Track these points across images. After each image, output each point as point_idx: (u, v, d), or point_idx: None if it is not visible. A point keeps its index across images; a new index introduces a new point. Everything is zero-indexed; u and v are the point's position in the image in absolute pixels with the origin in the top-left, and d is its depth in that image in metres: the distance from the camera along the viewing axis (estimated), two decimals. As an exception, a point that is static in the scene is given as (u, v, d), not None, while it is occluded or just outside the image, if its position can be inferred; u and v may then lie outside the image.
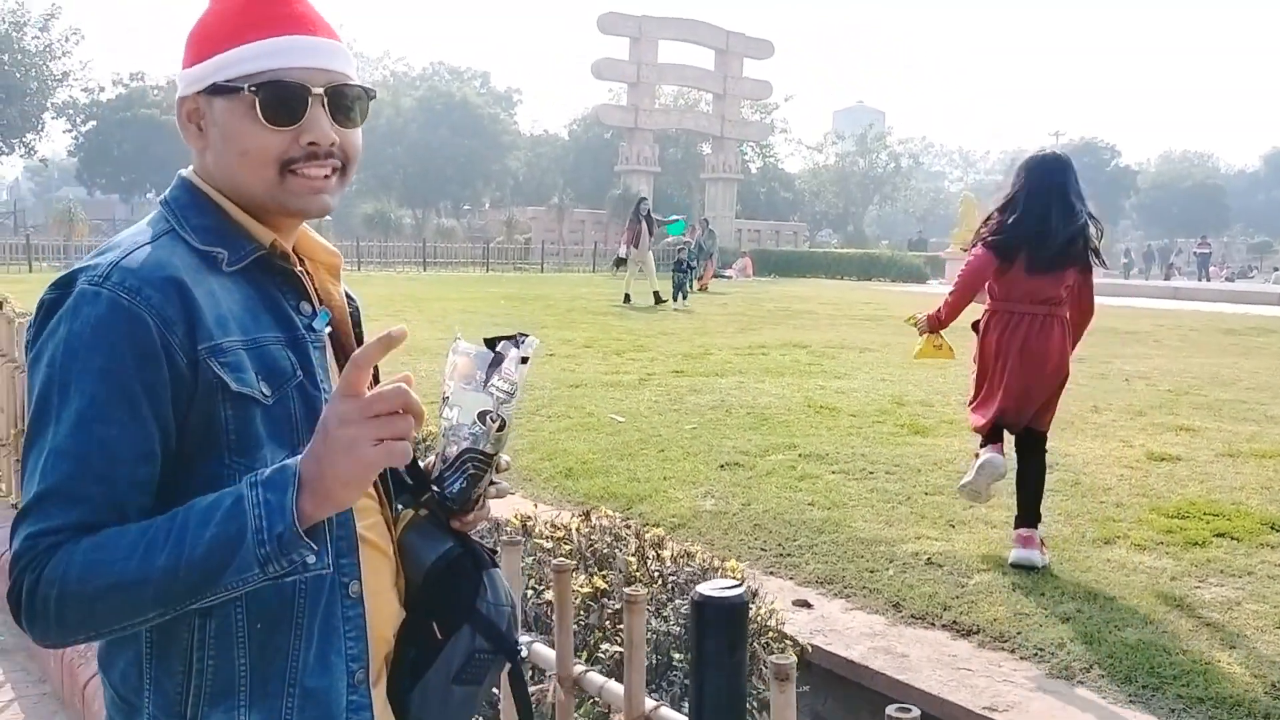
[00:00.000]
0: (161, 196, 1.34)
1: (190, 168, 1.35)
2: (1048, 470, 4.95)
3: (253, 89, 1.24)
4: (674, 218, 25.63)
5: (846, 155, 77.05)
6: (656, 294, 19.30)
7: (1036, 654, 3.68)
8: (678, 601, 3.02)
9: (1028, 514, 4.63)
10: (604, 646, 2.80)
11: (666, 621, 2.99)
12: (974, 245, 4.95)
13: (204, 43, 1.28)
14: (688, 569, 3.19)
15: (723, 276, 34.49)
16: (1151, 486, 5.74)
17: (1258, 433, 7.36)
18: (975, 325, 5.16)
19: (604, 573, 3.11)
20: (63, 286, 1.19)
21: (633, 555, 3.24)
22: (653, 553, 3.30)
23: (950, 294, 5.15)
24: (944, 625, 3.96)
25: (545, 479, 5.92)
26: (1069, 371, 5.00)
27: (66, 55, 53.16)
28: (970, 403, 5.15)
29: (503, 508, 4.23)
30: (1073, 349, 5.03)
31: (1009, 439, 4.93)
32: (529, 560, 3.15)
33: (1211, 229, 65.23)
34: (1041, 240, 4.62)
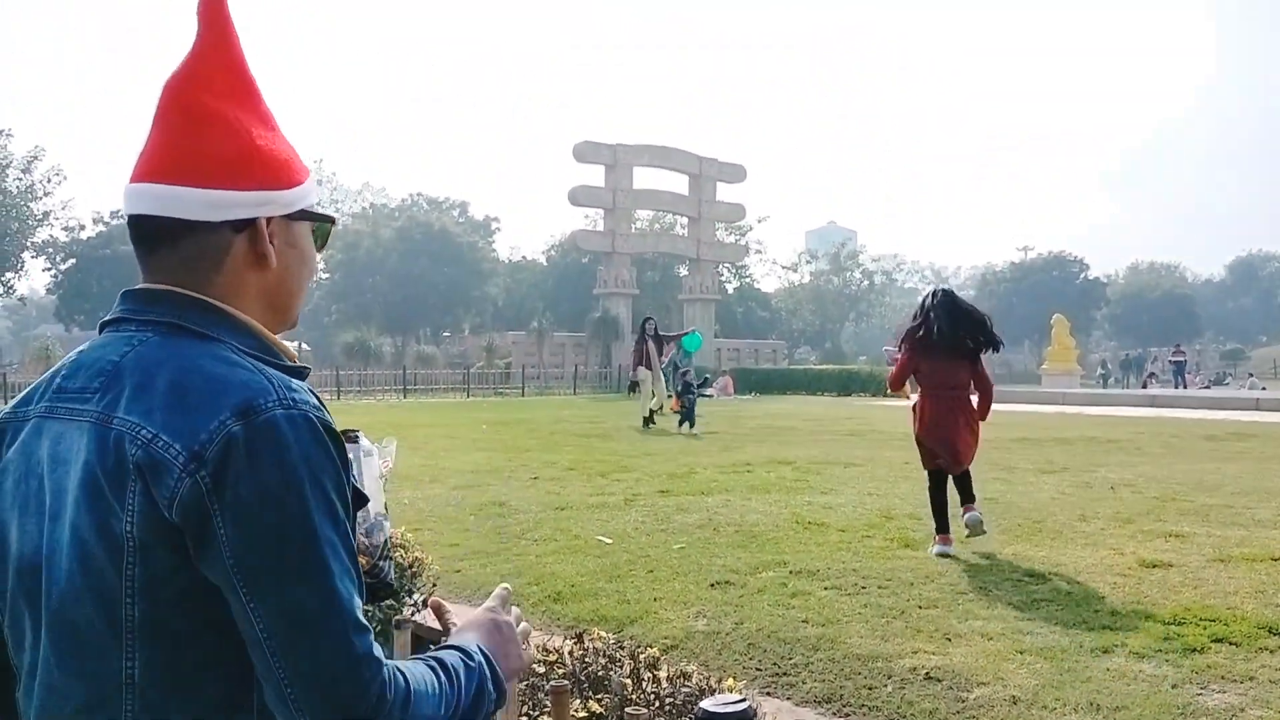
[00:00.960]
0: (179, 319, 1.22)
1: (179, 289, 1.24)
2: (1039, 580, 5.85)
3: (325, 220, 1.37)
4: (689, 330, 24.43)
5: (821, 274, 78.49)
6: (648, 418, 18.65)
7: (1043, 769, 3.59)
8: (676, 724, 2.95)
9: (967, 496, 7.09)
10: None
11: (666, 745, 2.92)
12: (902, 344, 7.35)
13: (274, 170, 1.28)
14: (685, 689, 3.12)
15: (704, 395, 34.64)
16: (1145, 594, 5.70)
17: (1246, 537, 7.34)
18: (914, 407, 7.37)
19: (599, 695, 3.04)
20: (243, 416, 1.11)
21: (628, 677, 3.18)
22: (648, 674, 3.23)
23: (892, 374, 7.63)
24: (947, 742, 3.87)
25: (533, 603, 5.82)
26: (979, 430, 7.26)
27: (48, 195, 54.00)
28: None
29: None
30: (982, 418, 7.30)
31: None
32: (522, 685, 3.08)
33: (1182, 337, 66.19)
34: (938, 344, 6.96)
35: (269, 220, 1.27)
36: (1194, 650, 4.67)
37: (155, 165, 1.24)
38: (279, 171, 1.28)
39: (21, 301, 62.51)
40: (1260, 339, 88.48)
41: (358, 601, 1.14)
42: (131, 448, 1.11)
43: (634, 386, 20.72)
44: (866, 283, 77.82)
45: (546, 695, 3.06)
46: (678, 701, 3.05)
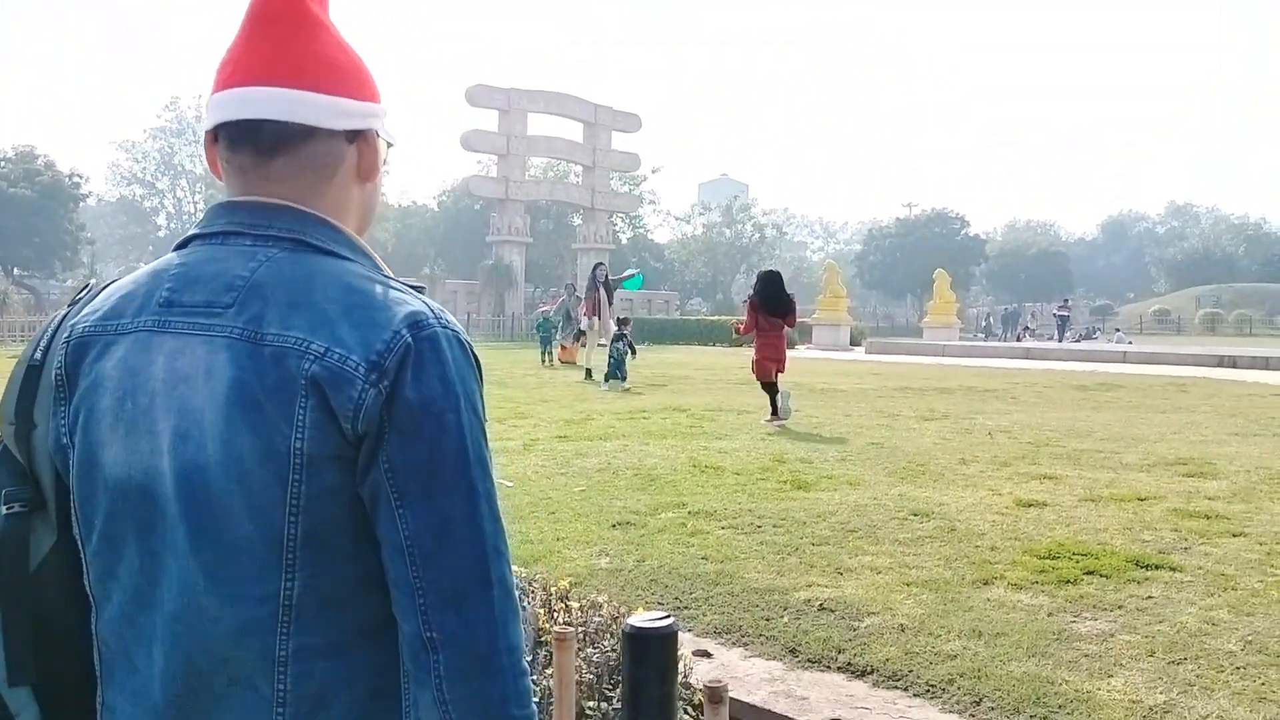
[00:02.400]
0: (303, 235, 1.19)
1: (294, 203, 1.21)
2: (923, 518, 6.17)
3: (390, 144, 1.33)
4: (630, 273, 22.96)
5: (713, 226, 78.94)
6: (590, 370, 18.12)
7: (929, 690, 3.82)
8: (589, 650, 3.06)
9: (775, 409, 11.23)
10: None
11: (579, 671, 3.02)
12: (748, 305, 12.29)
13: (375, 85, 1.27)
14: (596, 619, 3.23)
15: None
16: (1023, 530, 6.03)
17: (1115, 479, 7.79)
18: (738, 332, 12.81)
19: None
20: (414, 330, 1.12)
21: (540, 607, 3.27)
22: (560, 604, 3.33)
23: (742, 324, 12.43)
24: (839, 667, 4.07)
25: (436, 544, 5.87)
26: (785, 353, 12.07)
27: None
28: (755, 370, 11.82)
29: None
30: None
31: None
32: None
33: (1056, 293, 68.88)
34: (771, 303, 11.78)
35: (369, 134, 1.27)
36: (1068, 582, 4.98)
37: (275, 68, 1.18)
38: (375, 86, 1.28)
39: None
40: (1128, 296, 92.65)
41: (500, 526, 1.15)
42: (303, 362, 1.09)
43: (581, 335, 20.15)
44: (758, 235, 78.58)
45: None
46: (590, 630, 3.16)
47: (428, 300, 1.19)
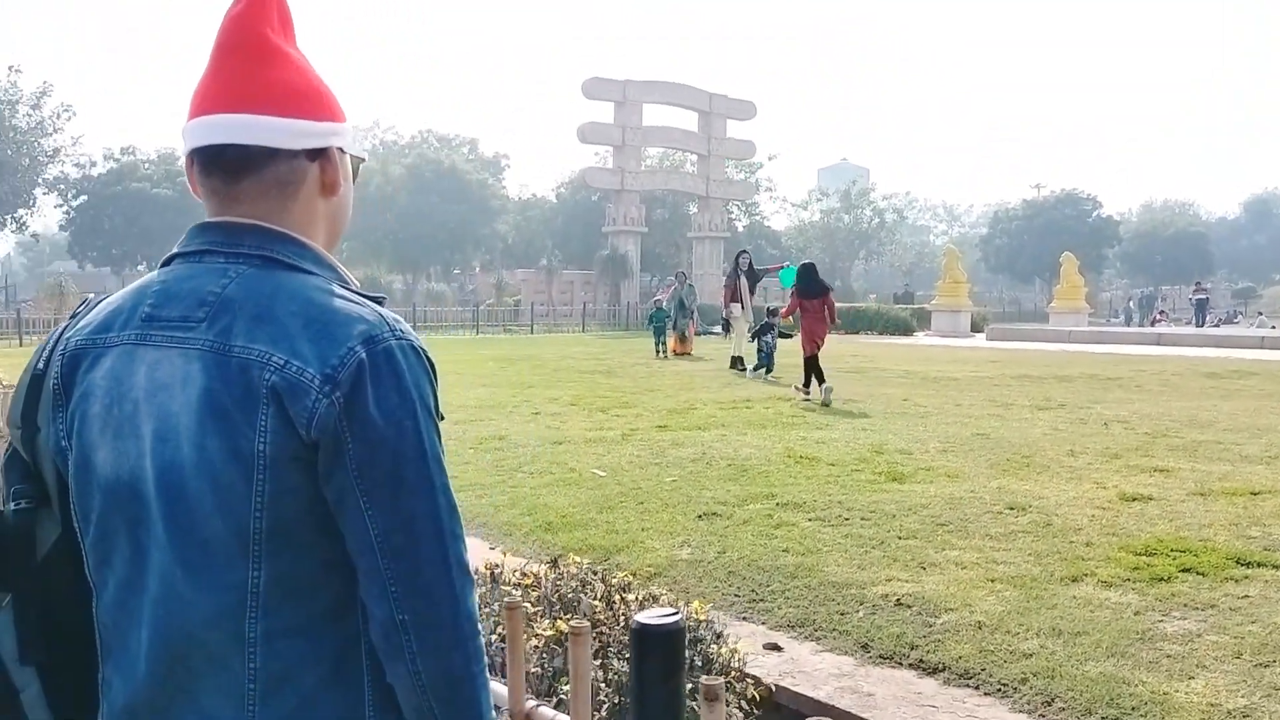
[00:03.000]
0: (270, 252, 1.28)
1: (262, 222, 1.29)
2: (1019, 512, 6.05)
3: (359, 158, 1.43)
4: (783, 264, 20.79)
5: (831, 211, 77.89)
6: (739, 359, 17.39)
7: (1000, 689, 3.75)
8: (639, 642, 3.10)
9: (821, 377, 12.68)
10: (566, 687, 2.86)
11: (629, 663, 3.06)
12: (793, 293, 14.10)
13: (334, 105, 1.36)
14: (682, 614, 3.26)
15: (710, 334, 34.70)
16: (1122, 526, 5.83)
17: (1230, 472, 7.46)
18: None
19: (569, 617, 3.18)
20: (367, 345, 1.20)
21: (599, 600, 3.32)
22: (618, 597, 3.38)
23: (786, 308, 14.63)
24: (910, 664, 4.02)
25: (525, 533, 5.99)
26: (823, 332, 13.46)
27: (58, 131, 53.78)
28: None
29: (473, 558, 4.31)
30: (828, 328, 13.69)
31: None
32: (495, 606, 3.22)
33: (1195, 276, 65.77)
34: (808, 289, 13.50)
35: (334, 152, 1.36)
36: (1161, 579, 4.80)
37: (236, 96, 1.27)
38: (336, 107, 1.37)
39: (35, 238, 62.56)
40: (1274, 277, 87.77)
41: (456, 514, 1.24)
42: (264, 373, 1.17)
43: (727, 325, 19.18)
44: (877, 220, 77.20)
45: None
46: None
47: (383, 312, 1.26)
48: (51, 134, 53.75)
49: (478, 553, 4.31)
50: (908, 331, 35.36)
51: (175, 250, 1.33)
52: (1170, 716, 3.41)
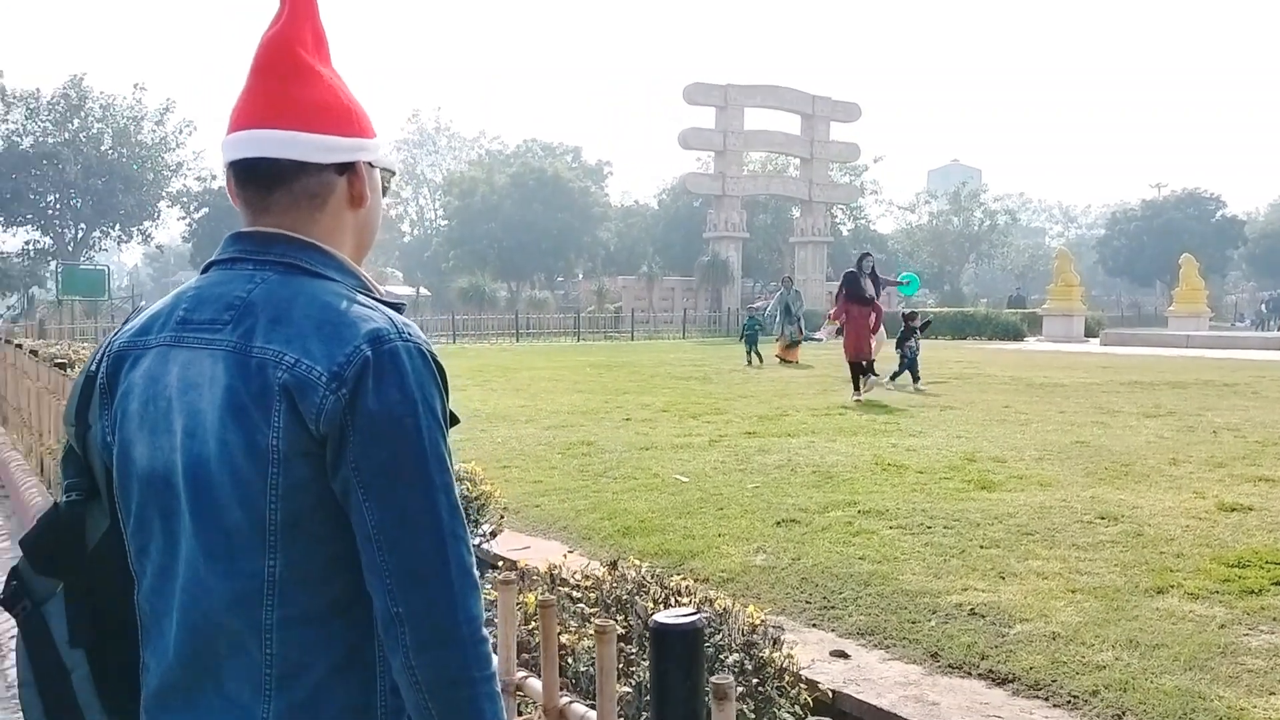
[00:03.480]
0: (295, 260, 1.35)
1: (289, 232, 1.37)
2: (1110, 522, 5.98)
3: (389, 170, 1.52)
4: (906, 277, 20.34)
5: (940, 214, 76.42)
6: (870, 364, 16.32)
7: (1070, 701, 3.66)
8: (690, 645, 3.13)
9: (870, 374, 13.73)
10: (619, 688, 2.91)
11: (649, 662, 3.09)
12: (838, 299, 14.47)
13: (364, 121, 1.45)
14: (704, 614, 3.28)
15: (812, 339, 34.40)
16: (1217, 536, 5.62)
17: (1343, 482, 7.11)
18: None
19: (623, 618, 3.23)
20: (373, 344, 1.26)
21: (653, 602, 3.36)
22: (674, 600, 3.40)
23: (834, 312, 14.87)
24: (980, 674, 3.96)
25: (603, 537, 6.06)
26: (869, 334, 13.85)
27: (181, 146, 56.26)
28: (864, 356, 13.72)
29: (535, 557, 4.38)
30: (875, 331, 14.09)
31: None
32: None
33: (1329, 276, 62.57)
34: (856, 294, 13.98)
35: (363, 165, 1.44)
36: (1251, 592, 4.63)
37: (268, 112, 1.35)
38: (366, 123, 1.45)
39: (160, 249, 65.42)
40: None
41: (458, 514, 1.28)
42: (277, 372, 1.24)
43: (841, 331, 17.39)
44: (988, 223, 75.45)
45: (573, 618, 3.28)
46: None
47: (395, 317, 1.33)
48: (174, 149, 56.31)
49: (554, 555, 4.36)
50: (1018, 337, 34.50)
51: (213, 258, 1.43)
52: (1246, 734, 3.29)
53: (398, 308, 1.38)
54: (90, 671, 1.42)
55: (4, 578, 1.47)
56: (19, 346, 11.63)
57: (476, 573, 1.30)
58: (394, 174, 1.57)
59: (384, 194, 1.54)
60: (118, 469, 1.38)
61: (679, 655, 1.99)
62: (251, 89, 1.38)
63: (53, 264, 46.63)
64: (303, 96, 1.37)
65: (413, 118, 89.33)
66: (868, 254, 17.38)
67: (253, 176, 1.37)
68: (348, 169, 1.40)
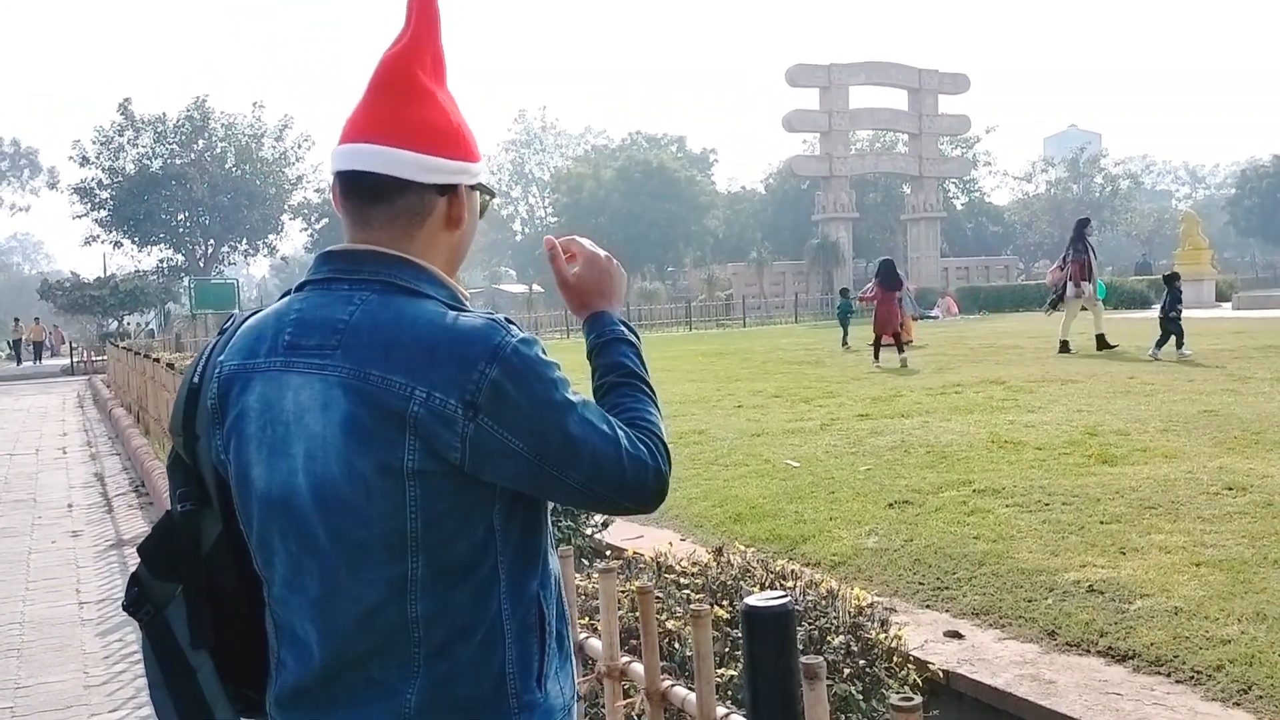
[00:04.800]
0: (389, 278, 1.42)
1: (381, 248, 1.43)
2: (1239, 492, 5.84)
3: (490, 193, 1.59)
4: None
5: (1059, 182, 74.02)
6: (1102, 337, 16.16)
7: (1193, 677, 3.58)
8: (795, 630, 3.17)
9: (877, 353, 16.34)
10: (719, 671, 2.97)
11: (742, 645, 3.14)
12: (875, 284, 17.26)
13: (470, 145, 1.51)
14: (808, 597, 3.32)
15: (928, 317, 33.78)
16: (1355, 505, 5.38)
17: None
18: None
19: (728, 604, 3.28)
20: (493, 360, 1.34)
21: (759, 587, 3.40)
22: (779, 584, 3.45)
23: (866, 294, 18.17)
24: (1098, 652, 3.89)
25: (715, 524, 6.12)
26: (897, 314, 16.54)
27: (299, 160, 58.27)
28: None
29: (646, 546, 4.46)
30: (900, 317, 16.71)
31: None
32: (660, 593, 3.36)
33: None
34: (887, 281, 16.86)
35: (463, 188, 1.50)
36: (1392, 562, 4.42)
37: (379, 129, 1.40)
38: (472, 147, 1.51)
39: (284, 260, 67.84)
40: None
41: (620, 432, 1.40)
42: (410, 405, 1.30)
43: (1057, 303, 16.88)
44: (1110, 188, 72.73)
45: (679, 604, 3.34)
46: (800, 609, 3.26)
47: (495, 319, 1.39)
48: (294, 163, 58.40)
49: (665, 543, 4.45)
50: (1144, 304, 33.25)
51: (306, 277, 1.50)
52: (1382, 708, 3.17)
53: (495, 318, 1.44)
54: (215, 669, 1.51)
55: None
56: (157, 361, 12.27)
57: (642, 448, 1.41)
58: (493, 196, 1.62)
59: (481, 215, 1.58)
60: (237, 490, 1.45)
61: (770, 637, 2.04)
62: (367, 104, 1.44)
63: (185, 280, 48.81)
64: (414, 117, 1.42)
65: (519, 118, 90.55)
66: (1088, 219, 18.29)
67: (358, 189, 1.43)
68: (449, 190, 1.46)
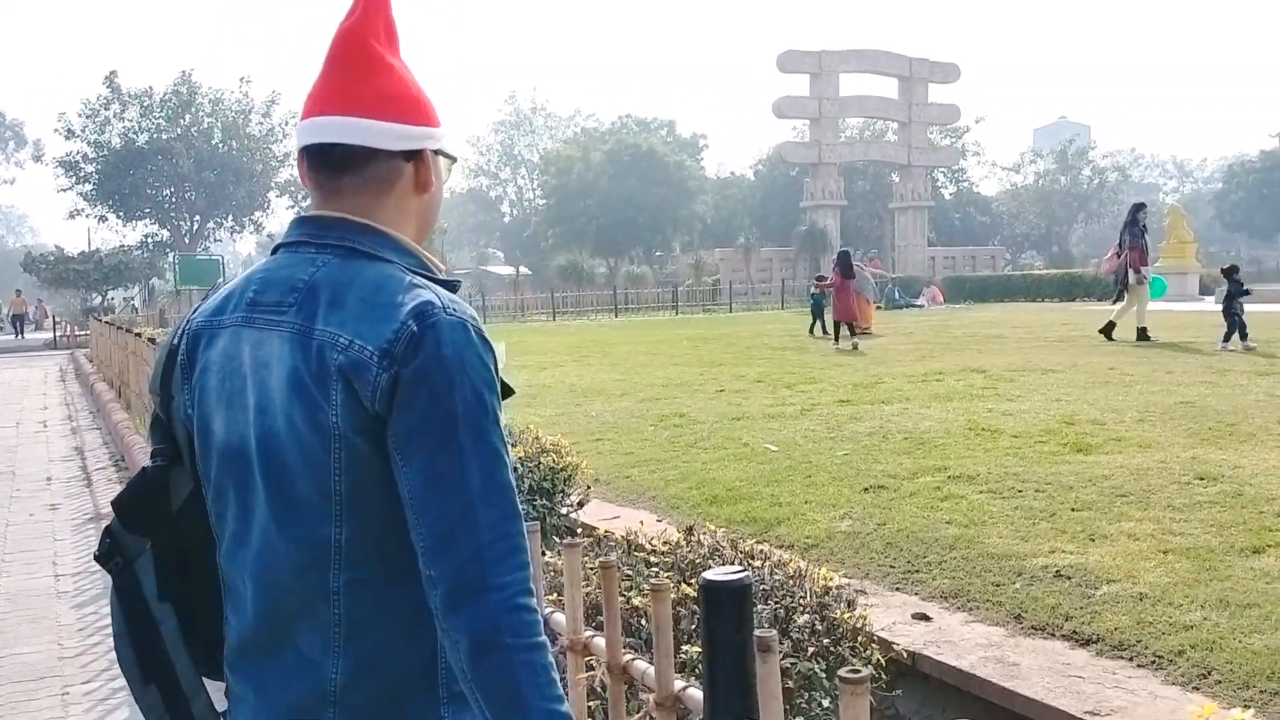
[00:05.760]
0: (353, 243, 1.43)
1: (350, 215, 1.44)
2: (1209, 482, 5.90)
3: (452, 158, 1.59)
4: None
5: (1047, 174, 74.16)
6: (1143, 330, 15.61)
7: (1154, 661, 3.63)
8: (759, 607, 3.20)
9: (837, 335, 18.12)
10: (684, 648, 3.00)
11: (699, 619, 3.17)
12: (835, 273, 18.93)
13: (430, 110, 1.53)
14: (775, 576, 3.35)
15: (914, 305, 33.88)
16: (1322, 495, 5.44)
17: None
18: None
19: (696, 582, 3.31)
20: (418, 320, 1.32)
21: (728, 564, 3.43)
22: (746, 562, 3.48)
23: (830, 282, 19.42)
24: (1063, 635, 3.94)
25: (691, 505, 6.15)
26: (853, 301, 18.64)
27: (287, 137, 57.90)
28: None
29: (622, 526, 4.49)
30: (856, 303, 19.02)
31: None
32: (630, 571, 3.39)
33: None
34: (846, 271, 18.71)
35: (427, 153, 1.52)
36: (1355, 551, 4.48)
37: (342, 101, 1.42)
38: (432, 112, 1.54)
39: (270, 238, 67.50)
40: None
41: (495, 478, 1.31)
42: (333, 354, 1.32)
43: (1121, 294, 16.38)
44: (1097, 181, 72.91)
45: (646, 581, 3.37)
46: (766, 588, 3.29)
47: (441, 293, 1.40)
48: (281, 139, 57.97)
49: (637, 521, 4.47)
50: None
51: (280, 240, 1.53)
52: (1336, 693, 3.23)
53: (452, 286, 1.46)
54: (178, 624, 1.54)
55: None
56: (139, 335, 12.23)
57: (522, 539, 1.33)
58: (455, 160, 1.63)
59: (446, 177, 1.60)
60: (199, 441, 1.48)
61: (727, 610, 2.07)
62: (326, 78, 1.46)
63: (170, 255, 48.59)
64: (375, 86, 1.44)
65: (509, 99, 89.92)
66: (1143, 205, 17.61)
67: (325, 161, 1.45)
68: (415, 156, 1.48)
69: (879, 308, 23.72)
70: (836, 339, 17.86)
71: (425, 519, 1.30)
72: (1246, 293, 14.63)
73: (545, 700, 1.27)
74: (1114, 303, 17.21)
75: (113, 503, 1.60)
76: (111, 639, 1.60)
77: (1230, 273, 15.37)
